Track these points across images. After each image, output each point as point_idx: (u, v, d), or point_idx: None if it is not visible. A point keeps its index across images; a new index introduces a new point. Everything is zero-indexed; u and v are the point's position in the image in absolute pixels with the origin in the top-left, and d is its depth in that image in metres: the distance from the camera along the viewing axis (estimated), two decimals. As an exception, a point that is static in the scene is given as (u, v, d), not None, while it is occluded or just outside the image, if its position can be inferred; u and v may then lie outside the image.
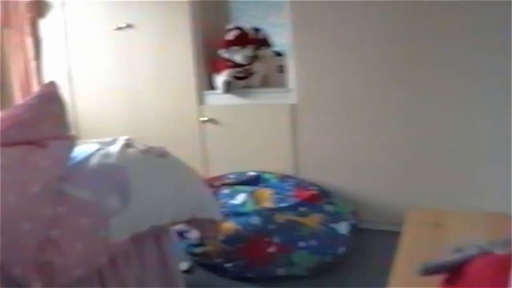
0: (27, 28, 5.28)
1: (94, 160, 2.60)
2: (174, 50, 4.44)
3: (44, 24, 5.24)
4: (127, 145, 2.85)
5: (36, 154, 2.44)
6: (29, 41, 5.29)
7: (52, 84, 2.80)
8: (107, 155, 2.66)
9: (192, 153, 4.24)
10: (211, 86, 4.41)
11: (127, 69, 4.73)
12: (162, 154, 2.88)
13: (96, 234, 2.31)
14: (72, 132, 2.75)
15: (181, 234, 3.55)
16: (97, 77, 4.93)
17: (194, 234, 3.47)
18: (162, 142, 3.18)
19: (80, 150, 2.69)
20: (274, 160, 4.18)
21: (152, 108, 4.67)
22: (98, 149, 2.73)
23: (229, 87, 4.18)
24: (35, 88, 5.22)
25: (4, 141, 2.48)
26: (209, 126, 4.41)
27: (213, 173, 4.30)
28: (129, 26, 4.62)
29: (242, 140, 4.30)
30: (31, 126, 2.58)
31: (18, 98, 5.38)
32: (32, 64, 5.31)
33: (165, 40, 4.48)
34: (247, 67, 4.22)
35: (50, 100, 2.71)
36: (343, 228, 3.54)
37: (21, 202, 2.19)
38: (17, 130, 2.54)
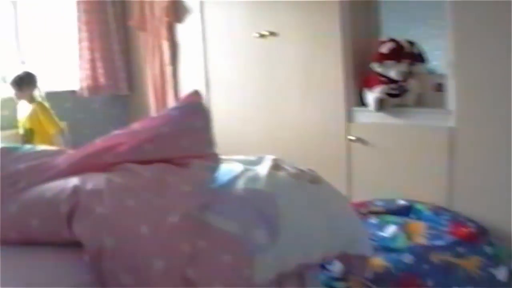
0: (163, 32, 5.30)
1: (239, 184, 2.31)
2: (321, 62, 4.23)
3: (182, 29, 5.26)
4: (275, 166, 2.56)
5: (175, 175, 2.19)
6: (165, 45, 5.27)
7: (196, 94, 2.58)
8: (254, 179, 2.36)
9: (335, 174, 3.90)
10: (361, 103, 4.14)
11: (268, 80, 4.61)
12: (315, 179, 2.57)
13: (239, 274, 2.00)
14: (216, 149, 2.49)
15: (322, 265, 3.23)
16: (236, 87, 4.86)
17: (337, 267, 3.18)
18: (305, 161, 2.97)
19: (224, 170, 2.42)
20: (425, 188, 3.80)
21: (294, 123, 4.49)
22: (244, 170, 2.44)
23: (381, 105, 3.88)
24: (170, 94, 5.19)
25: (138, 157, 2.25)
26: (356, 145, 4.13)
27: (357, 196, 4.01)
28: (272, 34, 4.47)
29: (392, 164, 3.98)
30: (171, 142, 2.35)
31: (153, 104, 5.37)
32: (168, 69, 5.28)
33: (311, 51, 4.29)
34: (401, 83, 3.91)
35: (193, 113, 2.49)
36: (502, 273, 3.17)
37: (157, 235, 1.89)
38: (154, 145, 2.32)
